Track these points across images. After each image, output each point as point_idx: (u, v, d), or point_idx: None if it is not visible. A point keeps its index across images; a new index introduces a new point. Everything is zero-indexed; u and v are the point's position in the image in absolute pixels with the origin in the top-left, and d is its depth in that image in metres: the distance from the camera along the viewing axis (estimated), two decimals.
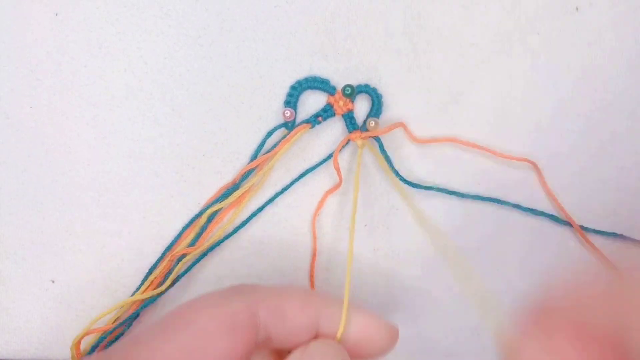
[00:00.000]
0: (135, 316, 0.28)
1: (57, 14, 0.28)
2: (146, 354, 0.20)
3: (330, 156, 0.29)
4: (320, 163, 0.29)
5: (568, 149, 0.29)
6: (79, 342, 0.27)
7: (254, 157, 0.29)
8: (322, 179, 0.29)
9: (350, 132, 0.29)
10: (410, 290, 0.30)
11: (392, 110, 0.29)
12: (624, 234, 0.29)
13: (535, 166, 0.29)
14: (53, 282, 0.29)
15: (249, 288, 0.22)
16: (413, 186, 0.29)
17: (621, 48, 0.29)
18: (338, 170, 0.28)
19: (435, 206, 0.29)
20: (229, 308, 0.21)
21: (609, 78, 0.29)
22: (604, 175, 0.29)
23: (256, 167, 0.28)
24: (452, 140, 0.29)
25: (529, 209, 0.29)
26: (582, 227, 0.29)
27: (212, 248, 0.28)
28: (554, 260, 0.30)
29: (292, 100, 0.28)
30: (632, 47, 0.29)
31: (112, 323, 0.28)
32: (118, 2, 0.28)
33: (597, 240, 0.29)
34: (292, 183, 0.29)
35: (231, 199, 0.28)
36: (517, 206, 0.29)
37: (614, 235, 0.29)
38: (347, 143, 0.29)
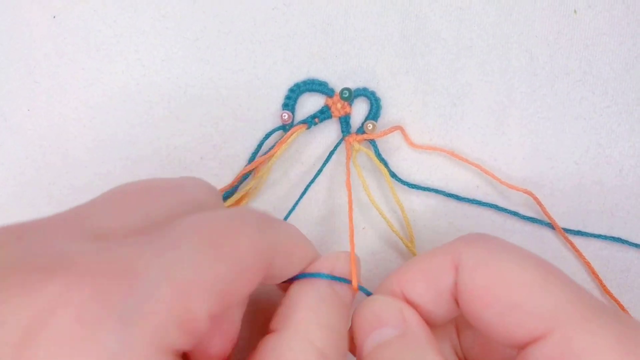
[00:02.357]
0: None
1: (54, 17, 0.28)
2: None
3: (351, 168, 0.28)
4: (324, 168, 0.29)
5: (566, 152, 0.29)
6: None
7: (252, 159, 0.29)
8: (321, 181, 0.29)
9: (344, 135, 0.29)
10: None
11: (390, 112, 0.29)
12: (622, 237, 0.29)
13: (533, 196, 0.28)
14: None
15: (268, 227, 0.20)
16: (410, 187, 0.29)
17: (619, 50, 0.29)
18: (349, 186, 0.27)
19: (433, 208, 0.29)
20: (262, 244, 0.18)
21: (606, 80, 0.29)
22: (603, 177, 0.29)
23: (254, 169, 0.28)
24: (450, 154, 0.28)
25: (527, 217, 0.29)
26: (579, 231, 0.29)
27: None
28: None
29: (290, 102, 0.28)
30: (630, 49, 0.29)
31: None
32: (116, 5, 0.28)
33: (596, 243, 0.29)
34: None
35: (229, 201, 0.28)
36: (515, 213, 0.29)
37: (612, 238, 0.29)
38: (340, 144, 0.29)
